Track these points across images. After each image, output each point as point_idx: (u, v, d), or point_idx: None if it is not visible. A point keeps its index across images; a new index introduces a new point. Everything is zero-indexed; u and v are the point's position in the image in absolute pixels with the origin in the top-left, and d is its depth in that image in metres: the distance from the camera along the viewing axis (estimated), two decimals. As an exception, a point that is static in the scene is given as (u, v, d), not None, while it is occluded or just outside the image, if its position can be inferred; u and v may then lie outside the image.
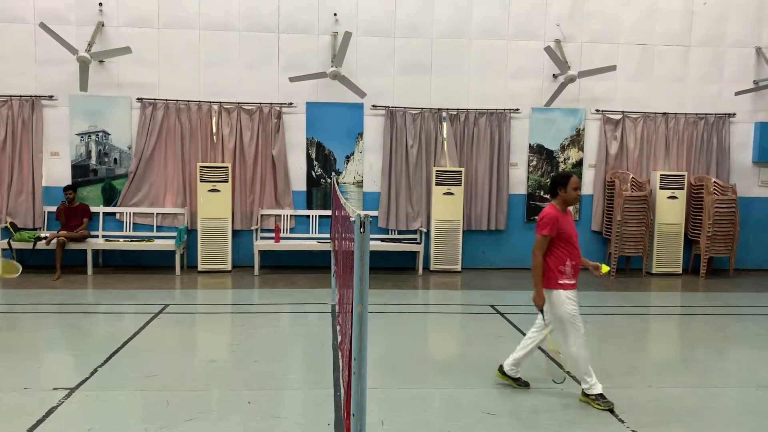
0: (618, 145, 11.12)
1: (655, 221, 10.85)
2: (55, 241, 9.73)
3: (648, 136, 11.16)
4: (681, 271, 10.94)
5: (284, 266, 10.78)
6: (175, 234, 10.37)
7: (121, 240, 10.47)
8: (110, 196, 10.61)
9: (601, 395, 4.96)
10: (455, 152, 10.88)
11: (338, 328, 6.22)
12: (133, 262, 10.65)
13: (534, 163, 11.12)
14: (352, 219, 2.93)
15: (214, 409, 4.89)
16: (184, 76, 10.50)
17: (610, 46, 10.97)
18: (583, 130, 11.14)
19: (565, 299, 4.97)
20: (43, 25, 9.51)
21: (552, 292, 5.02)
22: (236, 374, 5.67)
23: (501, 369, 5.43)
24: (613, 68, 10.57)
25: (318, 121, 10.75)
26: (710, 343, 6.96)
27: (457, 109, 10.84)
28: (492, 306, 8.40)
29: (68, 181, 10.41)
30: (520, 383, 5.37)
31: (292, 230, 10.85)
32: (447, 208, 10.64)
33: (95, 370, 5.57)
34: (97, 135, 10.50)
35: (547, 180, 11.09)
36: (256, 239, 10.59)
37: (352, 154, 10.91)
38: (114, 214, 10.61)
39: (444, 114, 10.82)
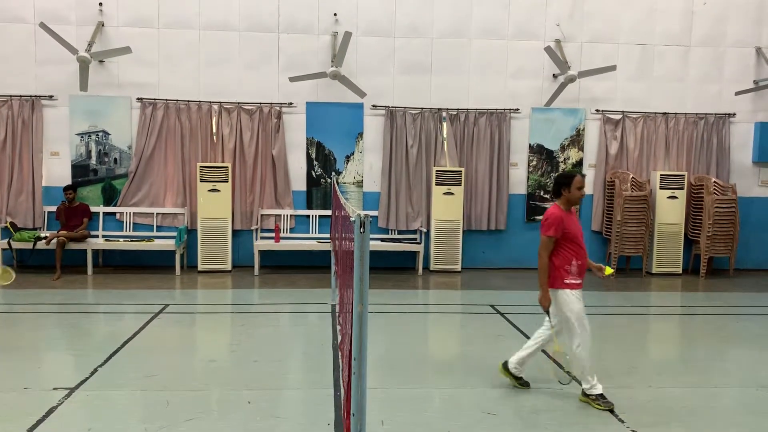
0: (618, 145, 11.12)
1: (655, 221, 10.85)
2: (55, 241, 9.73)
3: (648, 136, 11.16)
4: (681, 271, 10.95)
5: (284, 266, 10.78)
6: (175, 234, 10.37)
7: (121, 240, 10.47)
8: (110, 196, 10.61)
9: (601, 395, 4.96)
10: (455, 152, 10.88)
11: (339, 328, 6.22)
12: (133, 262, 10.65)
13: (534, 163, 11.12)
14: (352, 219, 2.93)
15: (214, 409, 4.89)
16: (184, 76, 10.50)
17: (610, 46, 10.97)
18: (583, 130, 11.14)
19: (571, 298, 4.95)
20: (43, 25, 9.51)
21: (558, 292, 5.00)
22: (236, 374, 5.67)
23: (505, 365, 5.41)
24: (613, 68, 10.57)
25: (318, 121, 10.75)
26: (710, 343, 6.96)
27: (457, 109, 10.84)
28: (492, 306, 8.40)
29: (68, 181, 10.41)
30: (521, 383, 5.37)
31: (292, 230, 10.85)
32: (447, 208, 10.64)
33: (95, 370, 5.57)
34: (97, 135, 10.50)
35: (547, 180, 11.10)
36: (256, 239, 10.59)
37: (352, 154, 10.91)
38: (114, 214, 10.61)
39: (444, 114, 10.82)
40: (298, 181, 10.88)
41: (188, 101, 10.49)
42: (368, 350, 3.03)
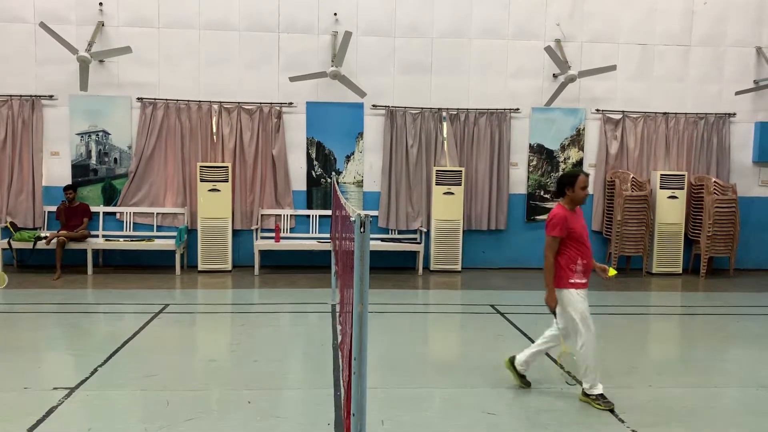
0: (618, 144, 11.12)
1: (655, 221, 10.85)
2: (55, 240, 9.73)
3: (648, 136, 11.15)
4: (681, 271, 10.94)
5: (284, 266, 10.78)
6: (175, 234, 10.37)
7: (121, 240, 10.47)
8: (110, 196, 10.61)
9: (601, 395, 4.96)
10: (455, 152, 10.88)
11: (339, 328, 6.22)
12: (133, 261, 10.65)
13: (534, 162, 11.12)
14: (352, 219, 2.93)
15: (214, 409, 4.89)
16: (184, 75, 10.50)
17: (610, 45, 10.97)
18: (584, 129, 11.14)
19: (575, 298, 4.94)
20: (43, 25, 9.51)
21: (563, 292, 4.98)
22: (236, 374, 5.67)
23: (512, 360, 5.38)
24: (613, 68, 10.57)
25: (318, 120, 10.75)
26: (710, 343, 6.96)
27: (457, 108, 10.84)
28: (492, 306, 8.40)
29: (68, 181, 10.41)
30: (523, 382, 5.35)
31: (292, 230, 10.85)
32: (447, 207, 10.64)
33: (95, 370, 5.57)
34: (97, 135, 10.50)
35: (548, 180, 11.10)
36: (256, 239, 10.59)
37: (352, 153, 10.91)
38: (114, 213, 10.61)
39: (444, 114, 10.82)
40: (298, 181, 10.88)
41: (188, 101, 10.49)
42: (368, 350, 3.03)
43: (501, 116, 10.89)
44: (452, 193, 10.61)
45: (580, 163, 11.14)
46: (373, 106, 10.73)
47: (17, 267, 10.29)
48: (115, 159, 10.58)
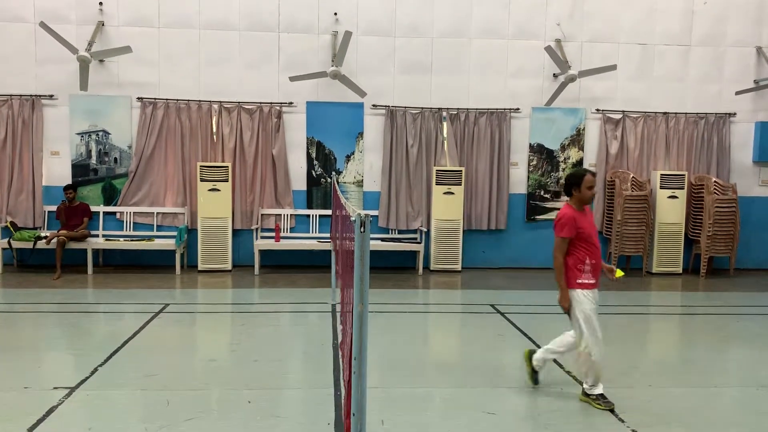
0: (618, 144, 11.12)
1: (655, 221, 10.85)
2: (55, 240, 9.73)
3: (648, 136, 11.15)
4: (681, 271, 10.94)
5: (284, 266, 10.78)
6: (175, 233, 10.37)
7: (121, 239, 10.47)
8: (110, 196, 10.61)
9: (601, 395, 4.95)
10: (455, 152, 10.88)
11: (340, 327, 6.22)
12: (134, 261, 10.65)
13: (534, 162, 11.12)
14: (353, 218, 2.92)
15: (214, 409, 4.89)
16: (184, 75, 10.49)
17: (611, 45, 10.96)
18: (584, 129, 11.14)
19: (582, 298, 4.91)
20: (43, 25, 9.51)
21: (570, 292, 4.96)
22: (236, 373, 5.67)
23: (530, 354, 5.33)
24: (613, 68, 10.57)
25: (318, 120, 10.75)
26: (710, 343, 6.96)
27: (458, 108, 10.84)
28: (492, 305, 8.40)
29: (68, 181, 10.41)
30: (533, 378, 5.30)
31: (292, 230, 10.85)
32: (447, 207, 10.64)
33: (95, 370, 5.57)
34: (98, 134, 10.50)
35: (547, 179, 11.10)
36: (257, 239, 10.59)
37: (353, 153, 10.91)
38: (114, 213, 10.61)
39: (444, 113, 10.82)
40: (299, 181, 10.88)
41: (188, 101, 10.48)
42: (368, 350, 3.03)
43: (501, 116, 10.88)
44: (452, 193, 10.61)
45: (580, 162, 11.14)
46: (373, 105, 10.73)
47: (17, 267, 10.29)
48: (115, 159, 10.58)
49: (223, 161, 10.55)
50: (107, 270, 10.42)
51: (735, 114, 11.22)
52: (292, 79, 10.15)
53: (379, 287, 9.18)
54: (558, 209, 10.97)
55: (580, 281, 4.92)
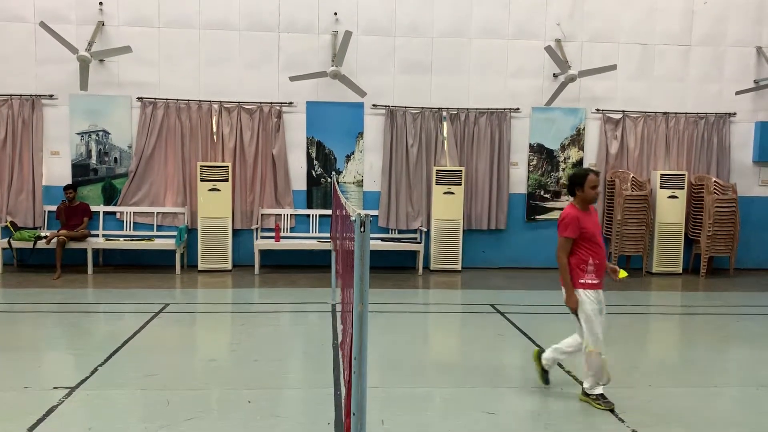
0: (618, 144, 11.12)
1: (655, 221, 10.85)
2: (55, 240, 9.73)
3: (648, 136, 11.15)
4: (681, 271, 10.94)
5: (284, 265, 10.78)
6: (175, 233, 10.37)
7: (121, 239, 10.47)
8: (110, 196, 10.61)
9: (601, 395, 4.95)
10: (455, 152, 10.87)
11: (340, 327, 6.22)
12: (134, 261, 10.65)
13: (534, 162, 11.12)
14: (353, 218, 2.92)
15: (214, 408, 4.89)
16: (184, 75, 10.49)
17: (611, 45, 10.96)
18: (584, 129, 11.14)
19: (584, 299, 4.88)
20: (43, 25, 9.51)
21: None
22: (236, 373, 5.67)
23: (539, 354, 5.31)
24: (613, 68, 10.57)
25: (318, 120, 10.75)
26: (710, 343, 6.96)
27: (458, 108, 10.84)
28: (492, 305, 8.40)
29: (68, 181, 10.41)
30: (544, 378, 5.28)
31: (292, 229, 10.84)
32: (447, 207, 10.64)
33: (95, 369, 5.57)
34: (98, 134, 10.50)
35: (547, 179, 11.10)
36: (257, 238, 10.59)
37: (353, 153, 10.91)
38: (114, 213, 10.61)
39: (444, 113, 10.82)
40: (299, 181, 10.87)
41: (188, 100, 10.48)
42: (368, 349, 3.03)
43: (501, 116, 10.88)
44: (452, 193, 10.61)
45: (580, 162, 11.14)
46: (373, 105, 10.73)
47: (17, 266, 10.29)
48: (115, 158, 10.58)
49: (223, 161, 10.55)
50: (107, 270, 10.42)
51: (735, 114, 11.22)
52: (292, 78, 10.15)
53: (379, 287, 9.18)
54: (558, 209, 11.06)
55: (582, 281, 4.90)
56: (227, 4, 10.45)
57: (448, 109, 10.82)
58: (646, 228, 10.73)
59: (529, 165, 11.12)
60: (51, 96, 10.35)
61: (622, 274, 5.18)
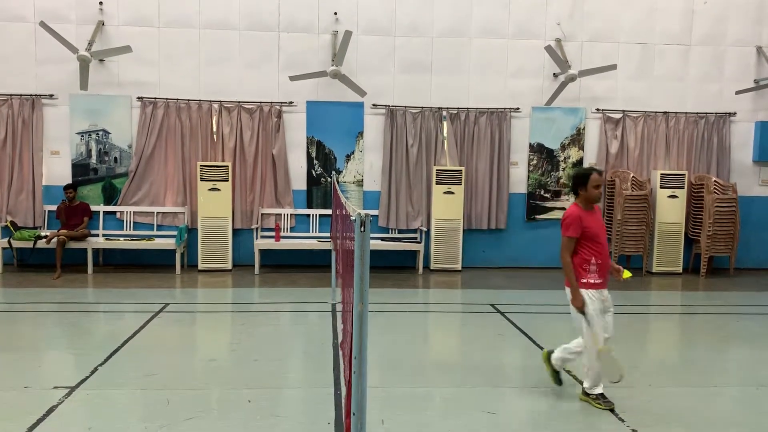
0: (618, 144, 11.12)
1: (655, 220, 10.85)
2: (55, 239, 9.73)
3: (648, 135, 11.15)
4: (681, 270, 10.94)
5: (284, 265, 10.78)
6: (175, 233, 10.37)
7: (121, 239, 10.47)
8: (110, 195, 10.61)
9: (601, 395, 4.95)
10: (455, 151, 10.87)
11: (341, 327, 6.21)
12: (134, 260, 10.65)
13: (534, 162, 11.12)
14: (353, 218, 2.92)
15: (214, 408, 4.89)
16: (184, 75, 10.49)
17: (611, 45, 10.96)
18: (584, 129, 11.14)
19: (586, 299, 4.86)
20: (43, 24, 9.51)
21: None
22: (236, 373, 5.67)
23: (549, 355, 5.27)
24: (613, 67, 10.57)
25: (318, 120, 10.75)
26: (710, 343, 6.96)
27: (458, 108, 10.84)
28: (492, 305, 8.40)
29: (68, 180, 10.41)
30: (556, 379, 5.25)
31: (292, 229, 10.85)
32: (447, 207, 10.64)
33: (95, 369, 5.57)
34: (98, 134, 10.50)
35: (547, 179, 11.10)
36: (257, 238, 10.59)
37: (353, 153, 10.91)
38: (114, 213, 10.61)
39: (444, 113, 10.82)
40: (299, 180, 10.88)
41: (188, 100, 10.48)
42: (369, 349, 3.03)
43: (501, 115, 10.88)
44: (452, 193, 10.61)
45: (580, 162, 11.14)
46: (374, 105, 10.72)
47: (17, 266, 10.29)
48: (116, 158, 10.58)
49: (223, 161, 10.55)
50: (107, 269, 10.42)
51: (735, 113, 11.22)
52: (292, 78, 10.15)
53: (379, 287, 9.19)
54: (558, 209, 11.06)
55: (585, 281, 4.87)
56: (227, 4, 10.45)
57: (448, 108, 10.82)
58: (646, 228, 10.73)
59: (529, 165, 11.12)
60: (51, 96, 10.35)
61: (626, 274, 5.12)
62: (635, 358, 6.37)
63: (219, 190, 10.27)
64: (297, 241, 10.66)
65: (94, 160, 10.53)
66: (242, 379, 5.47)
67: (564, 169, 11.09)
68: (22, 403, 4.84)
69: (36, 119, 10.28)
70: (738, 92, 11.03)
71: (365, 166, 10.93)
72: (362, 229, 2.89)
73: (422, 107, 10.78)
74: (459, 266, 10.76)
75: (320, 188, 10.90)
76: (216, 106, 10.53)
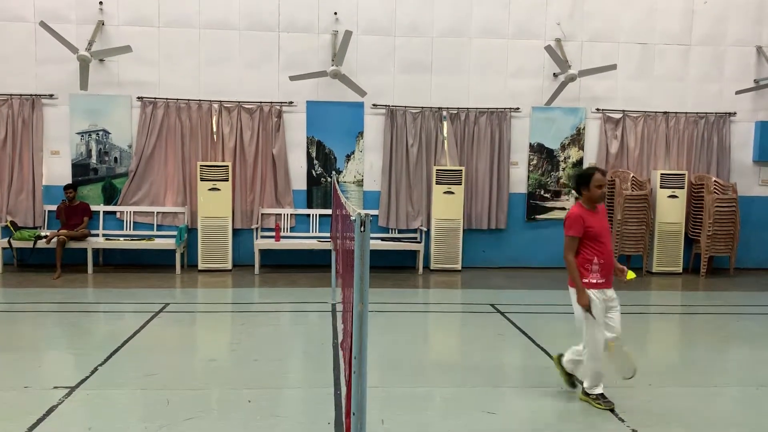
0: (618, 144, 11.12)
1: (655, 220, 10.85)
2: (55, 239, 9.73)
3: (648, 135, 11.15)
4: (681, 270, 10.94)
5: (284, 265, 10.78)
6: (175, 233, 10.37)
7: (121, 239, 10.47)
8: (110, 195, 10.61)
9: (601, 395, 4.94)
10: (455, 151, 10.87)
11: (342, 327, 6.21)
12: (134, 260, 10.65)
13: (534, 162, 11.12)
14: (353, 218, 2.92)
15: (214, 408, 4.89)
16: (184, 74, 10.49)
17: (611, 45, 10.96)
18: (584, 129, 11.14)
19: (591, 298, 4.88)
20: (43, 24, 9.51)
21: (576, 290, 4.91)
22: (236, 373, 5.67)
23: (560, 358, 5.24)
24: (613, 67, 10.56)
25: (318, 119, 10.75)
26: (710, 343, 6.96)
27: (458, 108, 10.84)
28: (492, 305, 8.40)
29: (68, 180, 10.41)
30: (569, 382, 5.22)
31: (292, 229, 10.84)
32: (447, 207, 10.64)
33: (95, 369, 5.57)
34: (98, 134, 10.50)
35: (547, 179, 11.10)
36: (257, 238, 10.59)
37: (353, 153, 10.91)
38: (114, 212, 10.61)
39: (444, 113, 10.82)
40: (299, 180, 10.87)
41: (188, 100, 10.48)
42: (368, 349, 3.03)
43: (501, 115, 10.88)
44: (452, 193, 10.61)
45: (580, 162, 11.14)
46: (374, 105, 10.72)
47: (17, 266, 10.29)
48: (116, 158, 10.58)
49: (223, 161, 10.55)
50: (107, 269, 10.42)
51: (735, 113, 11.22)
52: (292, 78, 10.15)
53: (379, 286, 9.18)
54: (558, 208, 11.07)
55: (587, 280, 4.86)
56: (227, 4, 10.45)
57: (448, 108, 10.82)
58: (646, 227, 10.73)
59: (529, 164, 11.12)
60: (51, 96, 10.35)
61: (630, 275, 5.08)
62: (635, 357, 6.35)
63: (219, 190, 10.27)
64: (297, 241, 10.66)
65: (94, 160, 10.53)
66: (242, 379, 5.47)
67: (564, 169, 11.09)
68: (22, 403, 4.83)
69: (36, 119, 10.28)
70: (738, 92, 11.03)
71: (365, 166, 10.93)
72: (362, 229, 2.89)
73: (422, 107, 10.78)
74: (459, 266, 10.76)
75: (320, 188, 10.90)
76: (216, 106, 10.53)
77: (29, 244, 9.88)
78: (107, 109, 10.44)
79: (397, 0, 10.65)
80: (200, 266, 10.38)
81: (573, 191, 5.08)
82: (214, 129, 10.56)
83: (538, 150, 11.11)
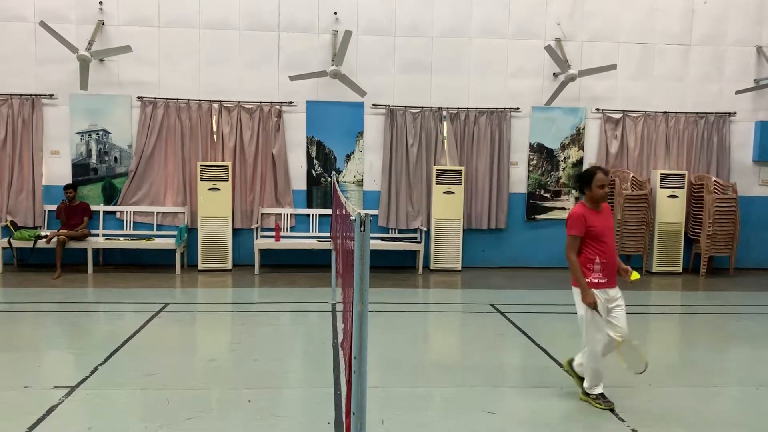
0: (618, 144, 11.12)
1: (655, 220, 10.85)
2: (55, 239, 9.73)
3: (648, 135, 11.15)
4: (681, 270, 10.94)
5: (284, 265, 10.78)
6: (175, 233, 10.37)
7: (121, 239, 10.47)
8: (110, 195, 10.61)
9: (601, 395, 4.95)
10: (455, 151, 10.87)
11: (342, 326, 6.21)
12: (134, 260, 10.65)
13: (534, 162, 11.12)
14: (353, 218, 2.92)
15: (214, 408, 4.89)
16: (184, 74, 10.49)
17: (611, 44, 10.96)
18: (584, 129, 11.14)
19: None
20: (43, 24, 9.51)
21: (577, 290, 4.92)
22: (236, 373, 5.67)
23: (570, 362, 5.24)
24: (613, 67, 10.56)
25: (318, 119, 10.75)
26: (710, 343, 6.96)
27: (458, 108, 10.84)
28: (492, 305, 8.40)
29: (68, 180, 10.41)
30: (582, 384, 5.17)
31: (292, 229, 10.84)
32: (447, 206, 10.64)
33: (95, 369, 5.57)
34: (98, 134, 10.50)
35: (547, 179, 11.10)
36: (257, 238, 10.59)
37: (353, 152, 10.91)
38: (114, 212, 10.61)
39: (444, 113, 10.82)
40: (299, 180, 10.88)
41: (188, 100, 10.48)
42: (368, 349, 3.03)
43: (501, 115, 10.88)
44: (452, 192, 10.61)
45: (580, 162, 11.14)
46: (374, 105, 10.72)
47: (17, 266, 10.29)
48: (116, 158, 10.58)
49: (223, 160, 10.55)
50: (107, 269, 10.41)
51: (735, 113, 11.22)
52: (292, 78, 10.15)
53: (379, 286, 9.19)
54: (558, 208, 11.07)
55: (588, 280, 4.85)
56: (227, 4, 10.45)
57: (448, 108, 10.82)
58: (646, 227, 10.73)
59: (529, 164, 11.12)
60: (51, 95, 10.35)
61: (635, 276, 5.06)
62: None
63: (219, 189, 10.27)
64: (297, 241, 10.66)
65: (94, 159, 10.53)
66: (242, 379, 5.47)
67: (564, 169, 11.09)
68: (22, 403, 4.83)
69: (36, 119, 10.28)
70: (738, 92, 11.03)
71: (365, 166, 10.93)
72: (362, 228, 2.89)
73: (422, 107, 10.78)
74: (459, 266, 10.76)
75: (320, 188, 10.90)
76: (216, 105, 10.53)
77: (29, 244, 9.88)
78: (107, 109, 10.44)
79: (397, 0, 10.65)
80: (200, 266, 10.38)
81: (575, 191, 5.06)
82: (214, 129, 10.56)
83: (538, 150, 11.11)
